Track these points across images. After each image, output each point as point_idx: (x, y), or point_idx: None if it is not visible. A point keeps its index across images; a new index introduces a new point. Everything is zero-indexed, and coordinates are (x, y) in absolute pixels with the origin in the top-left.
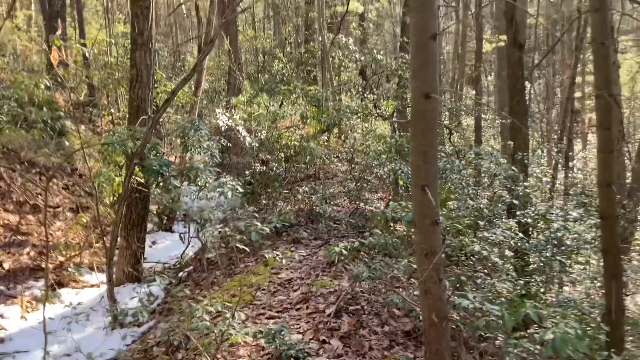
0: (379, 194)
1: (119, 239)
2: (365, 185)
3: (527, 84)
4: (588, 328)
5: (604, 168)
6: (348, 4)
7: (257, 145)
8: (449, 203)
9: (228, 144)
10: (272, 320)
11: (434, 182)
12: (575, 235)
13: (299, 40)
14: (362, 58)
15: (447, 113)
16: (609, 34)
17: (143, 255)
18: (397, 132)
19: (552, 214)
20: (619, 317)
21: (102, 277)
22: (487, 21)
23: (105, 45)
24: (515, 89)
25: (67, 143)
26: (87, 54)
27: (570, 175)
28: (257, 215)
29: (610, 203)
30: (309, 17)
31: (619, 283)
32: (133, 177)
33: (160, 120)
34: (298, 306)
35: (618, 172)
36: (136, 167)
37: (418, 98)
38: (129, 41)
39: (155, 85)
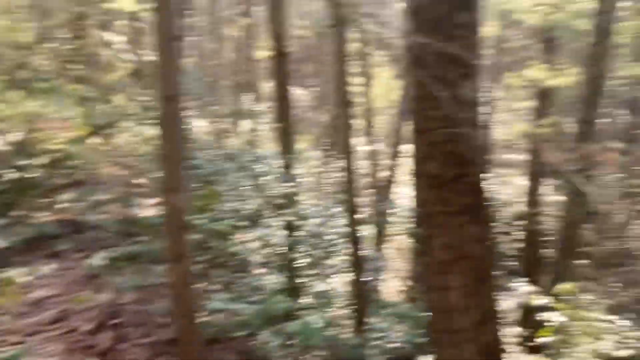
0: (154, 200)
1: None
2: (137, 190)
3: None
4: (335, 316)
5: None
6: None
7: (10, 149)
8: (218, 206)
9: None
10: (15, 347)
11: (181, 186)
12: (334, 230)
13: (67, 36)
14: (133, 58)
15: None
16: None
17: None
18: None
19: (312, 210)
20: (363, 302)
21: None
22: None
23: None
24: (280, 95)
25: None
26: None
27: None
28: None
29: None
30: (78, 12)
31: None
32: None
33: None
34: (52, 326)
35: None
36: None
37: (161, 100)
38: None
39: None
